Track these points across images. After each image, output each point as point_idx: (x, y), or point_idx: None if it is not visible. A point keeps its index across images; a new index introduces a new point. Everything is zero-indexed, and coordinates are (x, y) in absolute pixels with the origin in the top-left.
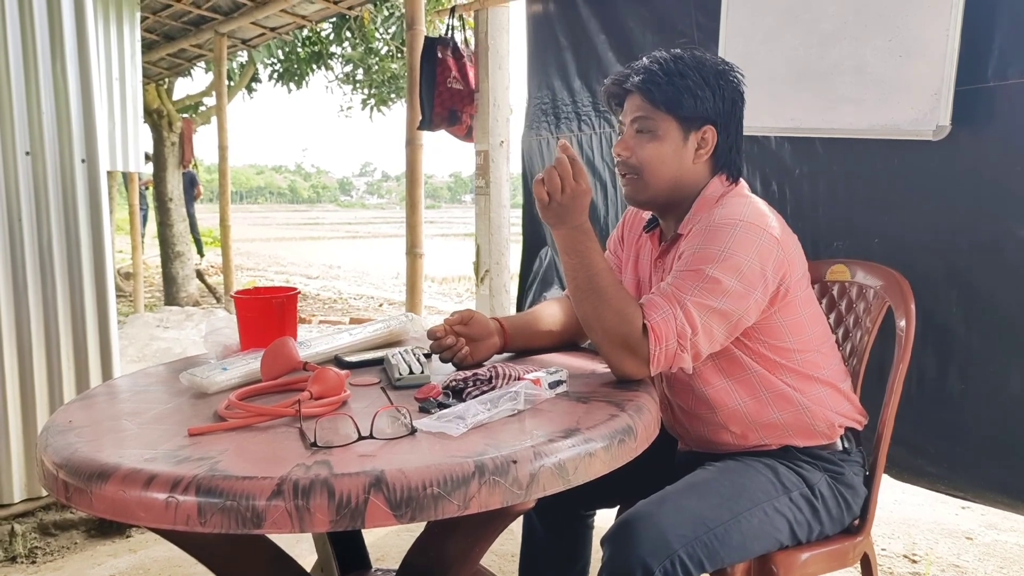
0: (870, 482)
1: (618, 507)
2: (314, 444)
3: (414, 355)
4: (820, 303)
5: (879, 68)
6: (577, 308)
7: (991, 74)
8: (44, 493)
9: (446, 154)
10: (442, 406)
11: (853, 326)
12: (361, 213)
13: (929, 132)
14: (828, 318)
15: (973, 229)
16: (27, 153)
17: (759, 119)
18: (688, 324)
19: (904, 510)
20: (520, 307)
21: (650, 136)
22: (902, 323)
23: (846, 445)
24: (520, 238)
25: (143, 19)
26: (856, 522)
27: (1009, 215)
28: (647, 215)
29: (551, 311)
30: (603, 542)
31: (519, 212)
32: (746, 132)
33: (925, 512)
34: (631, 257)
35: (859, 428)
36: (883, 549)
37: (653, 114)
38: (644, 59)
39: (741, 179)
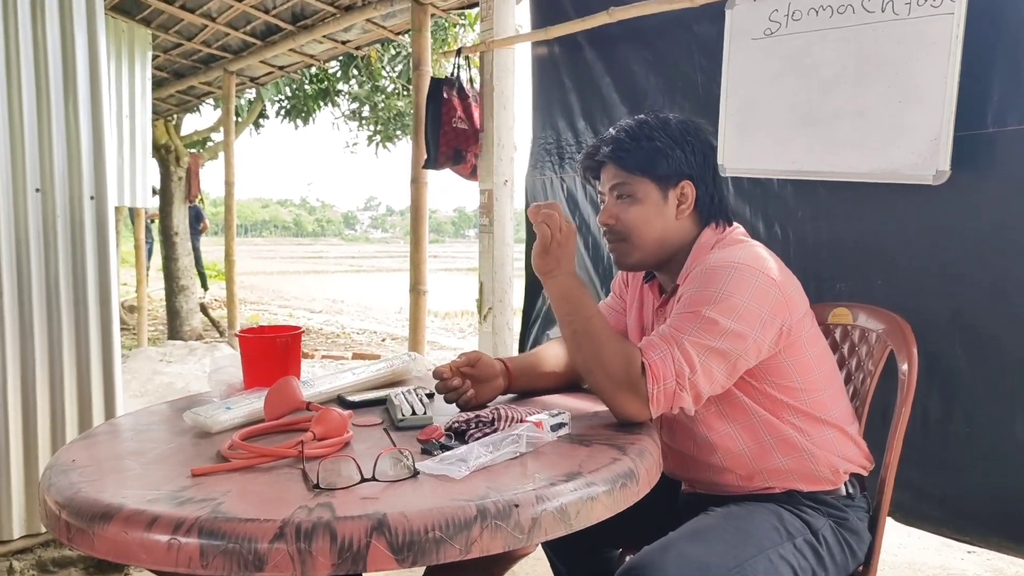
0: (874, 527)
1: (620, 550)
2: (317, 486)
3: (417, 395)
4: None
5: (879, 113)
6: (575, 354)
7: (990, 120)
8: (43, 530)
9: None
10: (444, 448)
11: (856, 369)
12: (365, 247)
13: (929, 177)
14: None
15: (975, 272)
16: (37, 190)
17: (761, 161)
18: (686, 363)
19: (909, 554)
20: (523, 344)
21: (631, 200)
22: (904, 367)
23: (850, 490)
24: (523, 275)
25: (154, 58)
26: (861, 568)
27: (1010, 259)
28: None
29: (554, 352)
30: None
31: (523, 249)
32: (749, 174)
33: (930, 556)
34: (635, 303)
35: (864, 474)
36: None
37: (629, 179)
38: (611, 130)
39: (736, 224)
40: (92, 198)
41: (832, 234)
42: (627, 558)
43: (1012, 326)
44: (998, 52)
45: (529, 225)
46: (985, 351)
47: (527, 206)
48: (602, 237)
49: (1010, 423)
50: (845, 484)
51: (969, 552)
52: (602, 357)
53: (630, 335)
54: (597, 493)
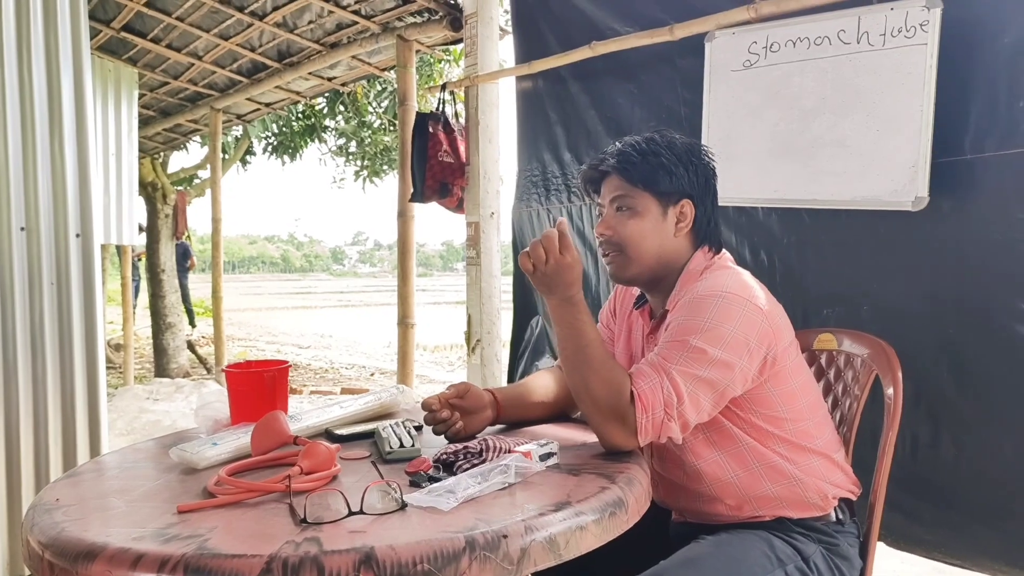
0: (865, 552)
1: None
2: (304, 520)
3: (405, 428)
4: None
5: (858, 142)
6: (568, 378)
7: (968, 147)
8: (27, 571)
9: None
10: (433, 480)
11: (842, 394)
12: (353, 282)
13: (908, 203)
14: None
15: (958, 296)
16: (22, 228)
17: (745, 190)
18: (675, 393)
19: None
20: (512, 376)
21: (630, 213)
22: (890, 391)
23: (840, 516)
24: (511, 307)
25: (140, 96)
26: None
27: (991, 283)
28: (636, 291)
29: (543, 382)
30: None
31: (510, 281)
32: (732, 203)
33: None
34: (623, 332)
35: (853, 499)
36: None
37: (631, 192)
38: (618, 143)
39: (724, 251)
40: (78, 235)
41: (818, 261)
42: None
43: (995, 348)
44: (973, 80)
45: (516, 256)
46: (970, 374)
47: (514, 238)
48: (592, 261)
49: (998, 445)
50: (835, 510)
51: None
52: (590, 384)
53: (620, 360)
54: (586, 523)
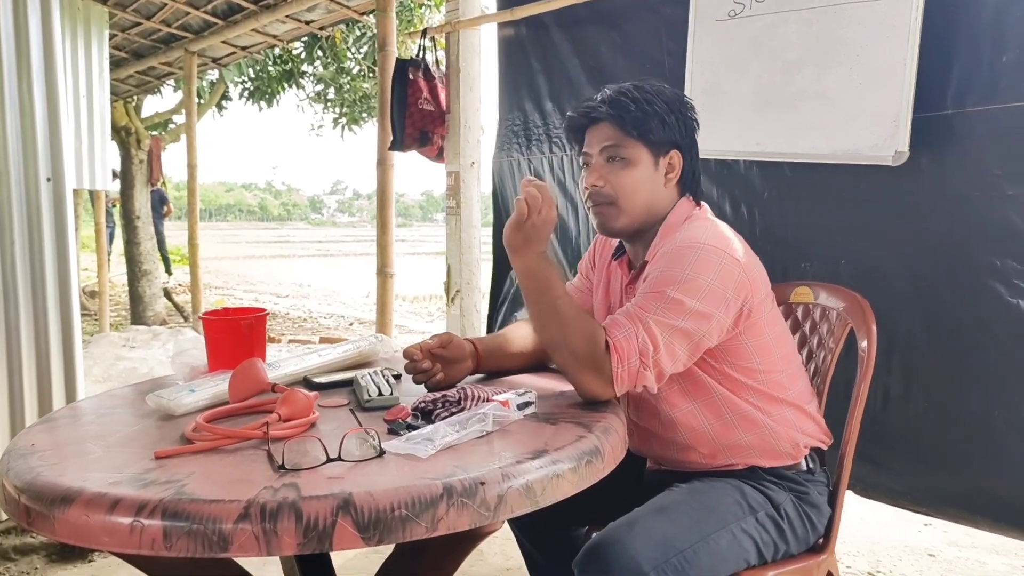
0: (834, 500)
1: (587, 527)
2: (282, 467)
3: (383, 376)
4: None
5: (840, 95)
6: (541, 332)
7: (949, 102)
8: (4, 517)
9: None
10: (411, 428)
11: (817, 347)
12: (332, 231)
13: (888, 158)
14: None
15: (934, 252)
16: None
17: (727, 143)
18: (650, 342)
19: (868, 528)
20: (491, 327)
21: (623, 163)
22: (864, 344)
23: (810, 465)
24: (491, 257)
25: (112, 36)
26: (820, 541)
27: (967, 239)
28: (615, 242)
29: (522, 332)
30: (574, 566)
31: (490, 232)
32: (714, 156)
33: (889, 530)
34: (602, 282)
35: (824, 448)
36: (848, 567)
37: (624, 141)
38: (607, 90)
39: (703, 203)
40: (49, 180)
41: (797, 215)
42: (593, 535)
43: (968, 304)
44: (956, 35)
45: (496, 206)
46: (943, 328)
47: (494, 189)
48: (572, 213)
49: (967, 398)
50: (806, 459)
51: (926, 524)
52: (567, 336)
53: (597, 314)
54: (563, 470)
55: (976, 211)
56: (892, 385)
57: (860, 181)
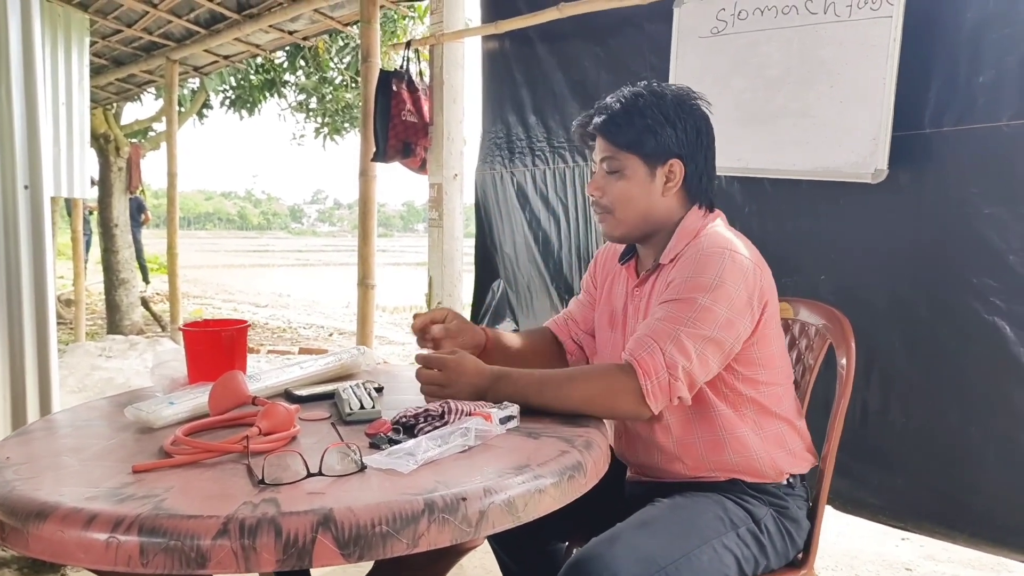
0: (813, 515)
1: (567, 543)
2: (262, 481)
3: (365, 389)
4: None
5: (821, 112)
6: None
7: (927, 122)
8: None
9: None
10: (393, 442)
11: (796, 363)
12: (312, 241)
13: (868, 175)
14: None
15: (913, 269)
16: None
17: None
18: (681, 354)
19: (847, 542)
20: None
21: (618, 175)
22: (843, 360)
23: (791, 480)
24: (472, 269)
25: (92, 44)
26: (800, 555)
27: (945, 256)
28: (621, 248)
29: (532, 338)
30: None
31: (472, 242)
32: None
33: (867, 544)
34: (605, 290)
35: (806, 471)
36: None
37: (617, 154)
38: (607, 99)
39: (718, 211)
40: (26, 187)
41: (778, 230)
42: (574, 551)
43: (945, 321)
44: (934, 56)
45: (479, 218)
46: (922, 344)
47: (477, 201)
48: (566, 222)
49: (944, 413)
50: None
51: (904, 539)
52: (581, 394)
53: (600, 321)
54: (545, 485)
55: (954, 229)
56: (870, 401)
57: (840, 198)
